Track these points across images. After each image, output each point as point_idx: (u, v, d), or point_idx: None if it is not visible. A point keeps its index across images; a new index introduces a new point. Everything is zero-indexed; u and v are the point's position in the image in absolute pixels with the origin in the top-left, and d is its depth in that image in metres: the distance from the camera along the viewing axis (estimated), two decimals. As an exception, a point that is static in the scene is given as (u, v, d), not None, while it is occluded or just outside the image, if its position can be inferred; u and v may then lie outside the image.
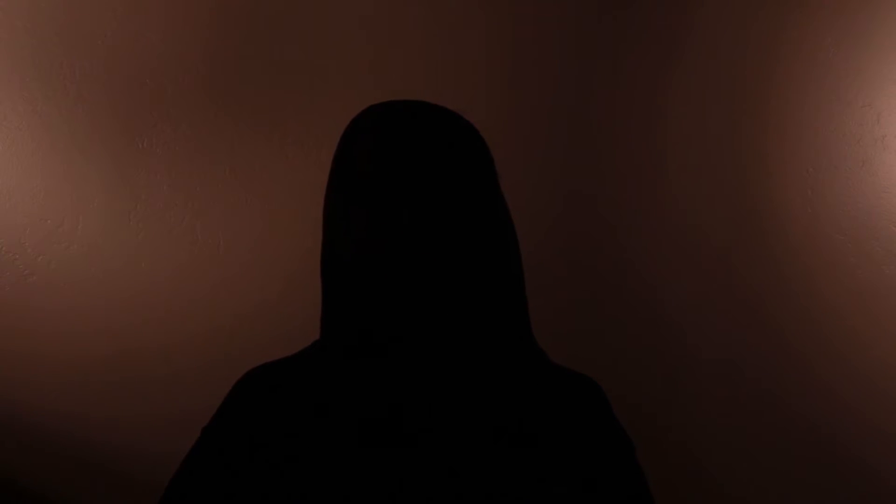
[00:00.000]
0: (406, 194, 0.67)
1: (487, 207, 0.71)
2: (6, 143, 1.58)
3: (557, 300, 1.61)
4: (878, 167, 1.54)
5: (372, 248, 0.67)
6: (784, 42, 1.57)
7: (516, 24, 1.61)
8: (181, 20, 1.59)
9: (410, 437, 0.65)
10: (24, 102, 1.58)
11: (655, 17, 1.60)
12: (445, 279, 0.67)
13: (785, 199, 1.58)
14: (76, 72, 1.58)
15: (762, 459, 1.62)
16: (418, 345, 0.67)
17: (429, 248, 0.66)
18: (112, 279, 1.60)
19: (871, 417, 1.57)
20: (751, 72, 1.58)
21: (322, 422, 0.66)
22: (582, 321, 1.63)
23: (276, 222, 1.61)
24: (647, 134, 1.62)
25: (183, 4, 1.59)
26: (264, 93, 1.60)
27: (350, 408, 0.66)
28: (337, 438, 0.65)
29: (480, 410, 0.67)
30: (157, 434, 1.59)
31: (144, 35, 1.58)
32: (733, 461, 1.62)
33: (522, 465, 0.65)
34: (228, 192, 1.60)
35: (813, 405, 1.59)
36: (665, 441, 1.62)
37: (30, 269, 1.60)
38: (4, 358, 1.62)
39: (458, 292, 0.67)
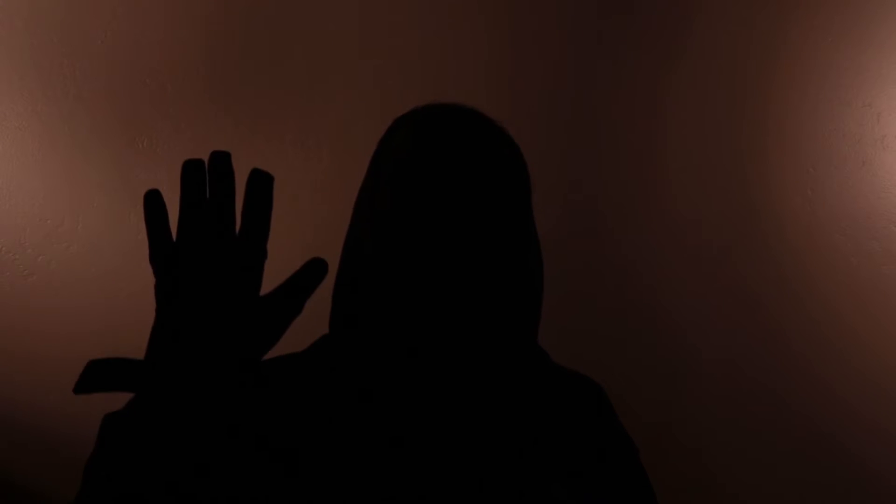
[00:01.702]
0: (437, 189, 0.66)
1: (516, 215, 0.70)
2: (6, 143, 1.58)
3: (557, 299, 1.61)
4: (878, 167, 1.54)
5: (393, 236, 0.66)
6: (784, 42, 1.57)
7: (516, 23, 1.61)
8: (181, 20, 1.58)
9: (413, 437, 0.65)
10: (24, 102, 1.58)
11: (655, 18, 1.60)
12: (460, 277, 0.66)
13: (785, 199, 1.58)
14: (76, 72, 1.58)
15: (762, 459, 1.62)
16: (423, 344, 0.67)
17: (449, 246, 0.65)
18: (112, 279, 1.60)
19: (871, 417, 1.57)
20: (751, 72, 1.58)
21: (325, 420, 0.66)
22: (582, 321, 1.63)
23: (277, 222, 1.60)
24: (647, 134, 1.62)
25: (183, 4, 1.59)
26: (264, 93, 1.60)
27: (354, 406, 0.66)
28: (341, 436, 0.65)
29: (483, 412, 0.67)
30: (157, 434, 1.59)
31: (144, 35, 1.58)
32: (733, 461, 1.62)
33: (525, 468, 0.65)
34: (228, 192, 1.59)
35: (813, 405, 1.59)
36: (665, 441, 1.62)
37: (30, 269, 1.60)
38: (4, 358, 1.62)
39: (469, 292, 0.67)
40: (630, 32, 1.60)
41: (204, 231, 0.51)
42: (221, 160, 0.53)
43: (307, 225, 1.59)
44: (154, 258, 0.51)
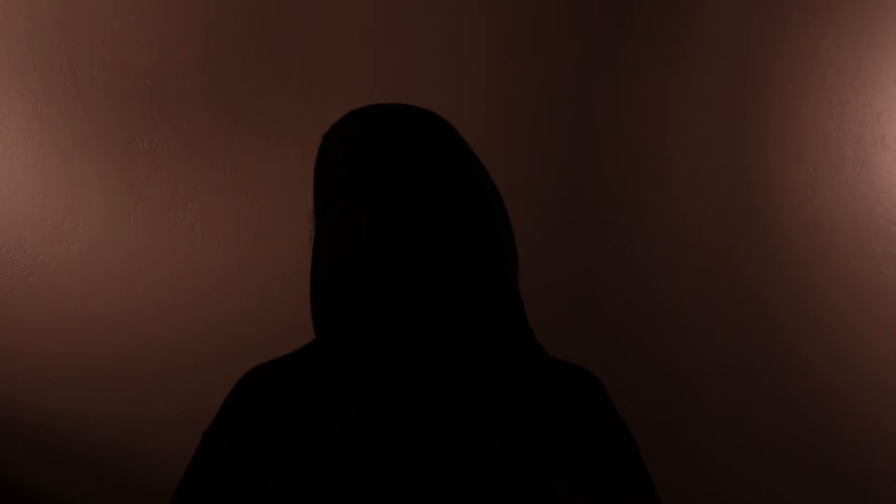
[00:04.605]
0: (378, 196, 0.66)
1: (468, 195, 0.70)
2: (6, 143, 1.58)
3: (557, 300, 1.61)
4: (878, 167, 1.54)
5: (350, 251, 0.66)
6: (784, 42, 1.57)
7: (516, 24, 1.61)
8: (181, 20, 1.58)
9: (411, 435, 0.65)
10: (24, 102, 1.58)
11: (655, 17, 1.60)
12: (429, 275, 0.66)
13: (785, 199, 1.58)
14: (76, 72, 1.58)
15: (762, 459, 1.62)
16: (412, 344, 0.67)
17: (408, 245, 0.65)
18: (112, 279, 1.60)
19: (871, 417, 1.57)
20: (751, 72, 1.58)
21: (322, 421, 0.66)
22: (582, 321, 1.63)
23: (276, 222, 1.61)
24: (647, 134, 1.62)
25: (183, 4, 1.58)
26: (264, 93, 1.60)
27: (349, 407, 0.66)
28: (337, 437, 0.65)
29: (479, 406, 0.67)
30: (158, 434, 1.59)
31: (144, 35, 1.58)
32: (733, 460, 1.62)
33: (523, 461, 0.65)
34: (228, 192, 1.60)
35: (813, 405, 1.59)
36: (665, 440, 1.62)
37: (30, 269, 1.60)
38: (4, 358, 1.62)
39: (442, 287, 0.66)
40: (630, 32, 1.60)
41: None
42: None
43: (307, 224, 1.58)
44: None
